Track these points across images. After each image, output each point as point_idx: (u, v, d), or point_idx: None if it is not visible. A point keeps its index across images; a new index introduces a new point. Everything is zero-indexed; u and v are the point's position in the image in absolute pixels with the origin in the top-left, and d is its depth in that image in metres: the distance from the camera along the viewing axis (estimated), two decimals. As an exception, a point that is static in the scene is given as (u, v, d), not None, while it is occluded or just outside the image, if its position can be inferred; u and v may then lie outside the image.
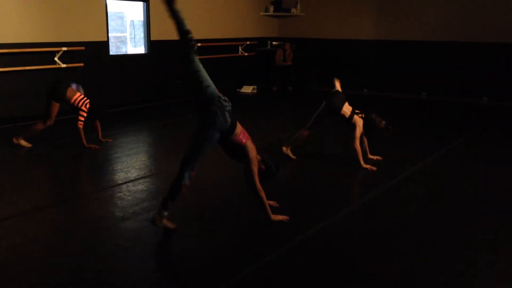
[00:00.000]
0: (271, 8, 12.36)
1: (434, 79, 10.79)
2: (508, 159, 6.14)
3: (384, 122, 5.60)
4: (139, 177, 5.18)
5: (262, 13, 12.32)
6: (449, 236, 3.86)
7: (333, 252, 3.59)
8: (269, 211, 4.00)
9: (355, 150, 5.56)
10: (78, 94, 6.18)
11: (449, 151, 6.39)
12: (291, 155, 5.90)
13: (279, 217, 4.05)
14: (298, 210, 4.32)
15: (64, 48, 8.12)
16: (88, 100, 6.16)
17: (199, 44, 10.42)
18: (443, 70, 10.71)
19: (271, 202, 4.26)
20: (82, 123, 6.10)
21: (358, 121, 5.61)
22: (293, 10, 12.29)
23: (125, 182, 4.99)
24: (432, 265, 3.39)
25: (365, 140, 5.81)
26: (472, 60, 10.39)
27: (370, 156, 5.85)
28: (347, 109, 5.64)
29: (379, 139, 5.91)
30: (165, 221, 3.78)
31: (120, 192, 4.72)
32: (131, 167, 5.54)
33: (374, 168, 5.50)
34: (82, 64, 8.46)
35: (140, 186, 4.91)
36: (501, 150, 6.55)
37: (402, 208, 4.48)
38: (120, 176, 5.20)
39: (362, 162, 5.54)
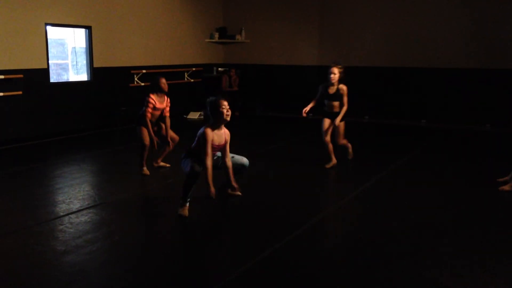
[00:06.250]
0: (216, 35, 12.47)
1: (375, 103, 11.20)
2: (445, 178, 6.41)
3: None
4: (82, 208, 4.99)
5: (207, 40, 12.40)
6: (397, 256, 3.96)
7: (291, 271, 3.58)
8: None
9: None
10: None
11: (391, 172, 6.59)
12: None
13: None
14: (252, 231, 4.30)
15: (1, 76, 7.80)
16: None
17: (144, 71, 10.34)
18: (384, 94, 11.13)
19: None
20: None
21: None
22: (238, 37, 12.46)
23: (67, 214, 4.80)
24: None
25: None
26: (411, 85, 10.87)
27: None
28: None
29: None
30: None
31: (62, 225, 4.52)
32: (74, 198, 5.33)
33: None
34: (20, 92, 8.16)
35: (83, 217, 4.73)
36: (439, 171, 6.83)
37: (340, 233, 4.55)
38: (62, 208, 4.99)
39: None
